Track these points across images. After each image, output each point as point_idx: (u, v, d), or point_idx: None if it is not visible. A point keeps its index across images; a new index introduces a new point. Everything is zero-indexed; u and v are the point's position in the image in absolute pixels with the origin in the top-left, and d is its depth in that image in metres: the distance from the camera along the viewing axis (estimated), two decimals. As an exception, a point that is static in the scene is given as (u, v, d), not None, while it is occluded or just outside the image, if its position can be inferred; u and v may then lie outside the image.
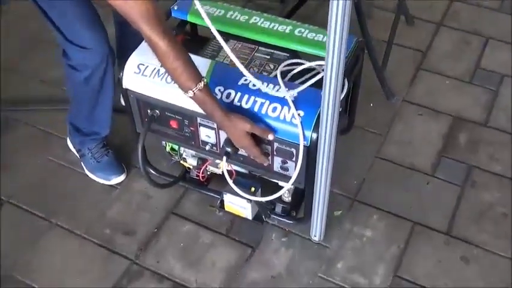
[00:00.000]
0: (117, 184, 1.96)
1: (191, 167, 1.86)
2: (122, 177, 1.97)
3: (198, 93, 1.43)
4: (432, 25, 2.48)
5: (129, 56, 1.76)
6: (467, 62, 2.34)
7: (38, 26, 2.31)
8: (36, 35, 2.38)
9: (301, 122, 1.49)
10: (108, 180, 1.96)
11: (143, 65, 1.63)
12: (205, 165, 1.82)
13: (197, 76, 1.44)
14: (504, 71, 2.29)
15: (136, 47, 1.70)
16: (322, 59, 1.60)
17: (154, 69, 1.61)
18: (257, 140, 1.53)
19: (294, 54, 1.68)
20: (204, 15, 1.45)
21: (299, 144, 1.51)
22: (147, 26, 1.34)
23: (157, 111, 1.66)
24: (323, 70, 1.55)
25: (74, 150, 2.01)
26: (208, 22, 1.46)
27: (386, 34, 2.27)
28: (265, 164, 1.61)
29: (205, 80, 1.45)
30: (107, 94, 1.84)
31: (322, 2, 2.40)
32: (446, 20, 2.50)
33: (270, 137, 1.51)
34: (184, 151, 1.82)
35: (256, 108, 1.53)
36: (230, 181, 1.65)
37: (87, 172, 1.98)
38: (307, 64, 1.64)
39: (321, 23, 1.69)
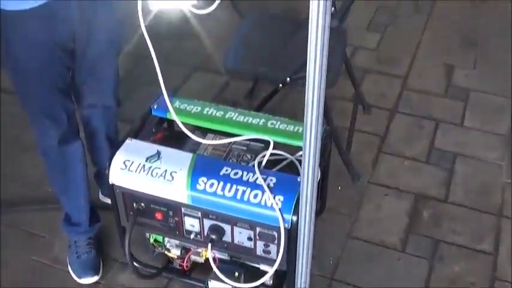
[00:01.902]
0: (100, 279, 1.99)
1: (175, 257, 1.92)
2: (93, 279, 1.99)
3: None
4: (387, 112, 2.70)
5: (101, 154, 1.87)
6: (422, 144, 2.53)
7: (18, 130, 2.42)
8: (17, 138, 2.46)
9: (281, 207, 1.61)
10: (79, 278, 1.99)
11: (129, 161, 1.72)
12: (188, 255, 1.89)
13: None
14: (456, 150, 2.49)
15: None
16: (296, 147, 1.76)
17: (140, 164, 1.71)
18: None
19: (268, 144, 1.82)
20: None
21: (280, 227, 1.61)
22: None
23: (142, 204, 1.74)
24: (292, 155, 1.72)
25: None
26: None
27: (346, 121, 2.46)
28: None
29: None
30: (74, 173, 1.90)
31: (285, 96, 2.58)
32: (399, 107, 2.72)
33: None
34: (168, 241, 1.89)
35: (238, 196, 1.63)
36: (215, 268, 1.73)
37: (68, 261, 2.02)
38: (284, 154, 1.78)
39: (287, 114, 1.87)
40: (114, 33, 1.79)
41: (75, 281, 1.99)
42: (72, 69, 1.77)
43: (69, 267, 2.01)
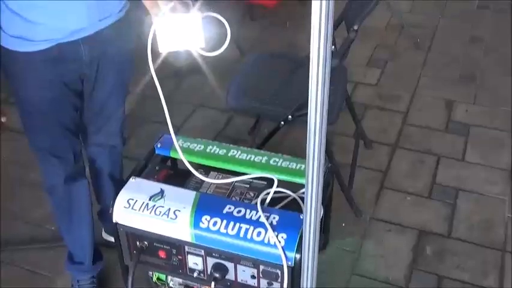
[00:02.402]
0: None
1: (178, 296, 1.92)
2: None
3: None
4: (388, 147, 2.72)
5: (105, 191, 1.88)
6: (424, 179, 2.54)
7: (22, 168, 2.43)
8: (21, 176, 2.48)
9: (284, 245, 1.61)
10: None
11: (132, 199, 1.73)
12: (191, 293, 1.88)
13: None
14: (458, 185, 2.50)
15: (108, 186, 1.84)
16: (298, 185, 1.77)
17: (143, 203, 1.72)
18: None
19: (271, 181, 1.83)
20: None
21: (283, 265, 1.61)
22: None
23: (145, 243, 1.75)
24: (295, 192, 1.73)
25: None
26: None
27: (348, 158, 2.48)
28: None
29: None
30: (79, 212, 1.91)
31: (287, 133, 2.60)
32: (400, 142, 2.74)
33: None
34: (171, 280, 1.89)
35: (241, 234, 1.64)
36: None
37: None
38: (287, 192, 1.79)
39: (288, 151, 1.88)
40: (122, 74, 1.82)
41: (78, 320, 1.99)
42: (80, 109, 1.79)
43: None
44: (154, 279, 1.90)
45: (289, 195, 1.77)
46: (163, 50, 1.45)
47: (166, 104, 1.56)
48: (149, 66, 1.47)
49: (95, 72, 1.71)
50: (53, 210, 1.97)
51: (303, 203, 1.51)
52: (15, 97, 1.70)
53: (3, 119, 1.70)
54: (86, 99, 1.77)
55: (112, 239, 1.83)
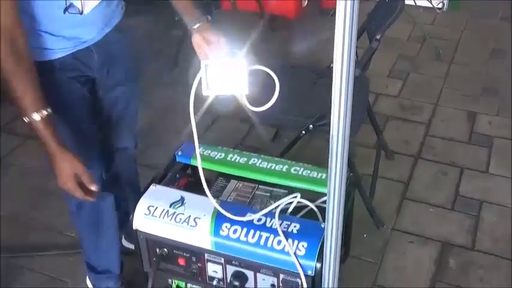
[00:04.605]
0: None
1: (197, 304, 1.91)
2: None
3: (36, 122, 1.46)
4: (410, 158, 2.69)
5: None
6: (447, 191, 2.51)
7: (42, 176, 2.45)
8: (41, 184, 2.49)
9: (304, 254, 1.60)
10: None
11: (153, 206, 1.73)
12: (210, 302, 1.87)
13: (36, 105, 1.45)
14: (482, 197, 2.46)
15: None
16: (319, 194, 1.76)
17: (163, 210, 1.72)
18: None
19: (292, 190, 1.82)
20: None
21: (304, 275, 1.59)
22: None
23: (165, 250, 1.74)
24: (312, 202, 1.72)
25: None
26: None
27: (369, 168, 2.45)
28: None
29: (47, 113, 1.47)
30: (107, 226, 1.90)
31: (307, 142, 2.59)
32: (423, 154, 2.71)
33: (93, 187, 1.57)
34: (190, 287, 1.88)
35: (262, 243, 1.63)
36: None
37: None
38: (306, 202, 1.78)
39: (309, 159, 1.87)
40: (129, 74, 1.84)
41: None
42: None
43: None
44: (174, 286, 1.89)
45: (310, 205, 1.76)
46: (207, 93, 1.49)
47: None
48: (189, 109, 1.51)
49: (105, 75, 1.74)
50: (79, 229, 1.95)
51: (324, 212, 1.50)
52: None
53: None
54: (98, 103, 1.79)
55: (132, 247, 1.83)
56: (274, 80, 1.49)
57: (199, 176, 1.98)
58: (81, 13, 1.56)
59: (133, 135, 1.98)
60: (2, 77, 1.44)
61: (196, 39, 1.59)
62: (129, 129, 1.95)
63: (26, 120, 1.48)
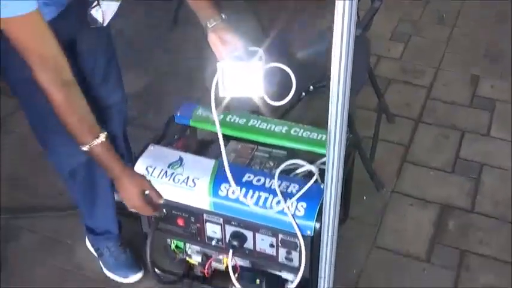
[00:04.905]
0: (124, 284, 1.99)
1: (196, 264, 1.91)
2: (139, 275, 2.00)
3: (95, 148, 1.43)
4: (411, 121, 2.67)
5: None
6: (448, 154, 2.49)
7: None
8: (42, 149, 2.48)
9: (304, 214, 1.59)
10: (126, 278, 2.00)
11: (151, 167, 1.72)
12: (209, 262, 1.87)
13: (94, 132, 1.43)
14: (483, 160, 2.45)
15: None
16: (318, 154, 1.75)
17: (162, 170, 1.71)
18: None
19: (291, 151, 1.81)
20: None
21: (303, 235, 1.59)
22: (44, 77, 1.31)
23: (164, 210, 1.74)
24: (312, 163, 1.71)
25: (91, 249, 2.06)
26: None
27: (370, 131, 2.43)
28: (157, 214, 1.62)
29: (104, 136, 1.44)
30: (102, 191, 1.90)
31: (308, 104, 2.56)
32: (424, 117, 2.69)
33: (161, 200, 1.58)
34: (189, 248, 1.88)
35: (260, 203, 1.62)
36: (233, 277, 1.71)
37: (105, 271, 2.02)
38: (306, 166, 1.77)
39: (310, 122, 1.85)
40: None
41: (99, 286, 2.00)
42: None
43: (109, 273, 2.02)
44: (173, 247, 1.90)
45: (310, 166, 1.75)
46: (224, 94, 1.48)
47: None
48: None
49: (86, 32, 1.66)
50: (75, 196, 1.94)
51: (324, 174, 1.49)
52: (19, 91, 1.64)
53: None
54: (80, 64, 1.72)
55: None
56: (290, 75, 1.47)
57: (197, 137, 1.99)
58: (102, 24, 1.51)
59: (121, 89, 1.89)
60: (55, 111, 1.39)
61: (212, 39, 1.56)
62: (115, 83, 1.87)
63: (85, 149, 1.43)
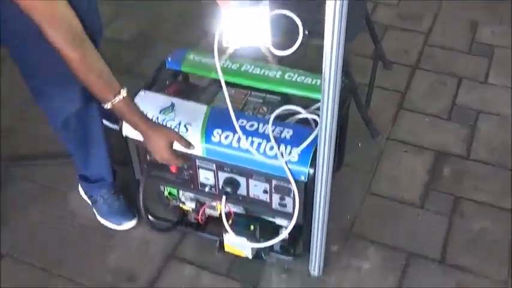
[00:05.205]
0: (118, 231, 1.99)
1: (189, 210, 1.91)
2: (133, 222, 1.99)
3: (117, 104, 1.42)
4: (408, 68, 2.62)
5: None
6: (444, 101, 2.46)
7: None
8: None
9: (297, 159, 1.57)
10: (120, 225, 1.99)
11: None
12: (203, 208, 1.87)
13: (114, 88, 1.41)
14: (479, 107, 2.42)
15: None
16: (313, 100, 1.72)
17: (153, 116, 1.67)
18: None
19: (285, 96, 1.78)
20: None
21: (297, 180, 1.58)
22: (60, 38, 1.29)
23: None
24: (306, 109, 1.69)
25: (85, 196, 2.05)
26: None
27: (366, 78, 2.40)
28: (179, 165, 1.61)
29: (124, 91, 1.43)
30: (96, 139, 1.87)
31: (305, 48, 2.51)
32: (421, 63, 2.64)
33: (191, 149, 1.58)
34: (182, 195, 1.88)
35: (254, 148, 1.60)
36: (226, 223, 1.71)
37: (98, 217, 2.01)
38: (303, 112, 1.74)
39: (307, 67, 1.81)
40: None
41: (92, 232, 2.00)
42: None
43: (102, 220, 2.01)
44: (166, 194, 1.89)
45: (304, 111, 1.72)
46: (229, 45, 1.43)
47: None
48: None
49: None
50: (68, 146, 1.91)
51: (319, 118, 1.46)
52: (12, 42, 1.58)
53: None
54: None
55: (114, 127, 1.80)
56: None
57: (190, 82, 1.95)
58: None
59: (97, 17, 1.76)
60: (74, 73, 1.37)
61: None
62: (91, 13, 1.75)
63: (108, 107, 1.43)
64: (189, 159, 1.64)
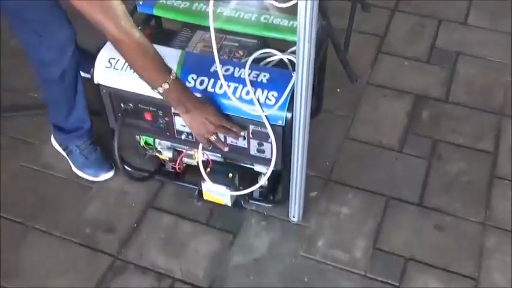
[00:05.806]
0: (95, 182, 1.96)
1: (167, 160, 1.88)
2: (110, 174, 1.96)
3: (172, 84, 1.42)
4: (387, 11, 2.57)
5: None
6: (424, 44, 2.43)
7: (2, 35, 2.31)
8: (1, 44, 2.35)
9: (274, 103, 1.54)
10: (97, 176, 1.96)
11: (114, 58, 1.64)
12: (180, 157, 1.84)
13: (166, 69, 1.43)
14: (458, 49, 2.39)
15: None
16: (290, 43, 1.67)
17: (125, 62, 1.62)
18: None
19: (262, 39, 1.73)
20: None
21: (274, 125, 1.55)
22: (111, 24, 1.30)
23: (130, 105, 1.68)
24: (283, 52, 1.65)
25: (59, 148, 2.00)
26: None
27: (344, 22, 2.34)
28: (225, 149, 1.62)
29: (174, 72, 1.44)
30: (81, 88, 1.85)
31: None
32: (400, 6, 2.60)
33: (235, 129, 1.57)
34: (159, 144, 1.84)
35: (229, 93, 1.56)
36: (203, 171, 1.69)
37: (74, 169, 1.97)
38: (278, 55, 1.69)
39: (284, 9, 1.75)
40: None
41: (68, 185, 1.96)
42: None
43: (79, 172, 1.97)
44: (142, 143, 1.86)
45: (281, 54, 1.68)
46: None
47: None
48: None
49: None
50: (59, 98, 1.87)
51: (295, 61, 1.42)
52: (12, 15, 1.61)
53: None
54: None
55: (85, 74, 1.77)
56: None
57: (163, 27, 1.88)
58: None
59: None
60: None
61: None
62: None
63: (159, 92, 1.42)
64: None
